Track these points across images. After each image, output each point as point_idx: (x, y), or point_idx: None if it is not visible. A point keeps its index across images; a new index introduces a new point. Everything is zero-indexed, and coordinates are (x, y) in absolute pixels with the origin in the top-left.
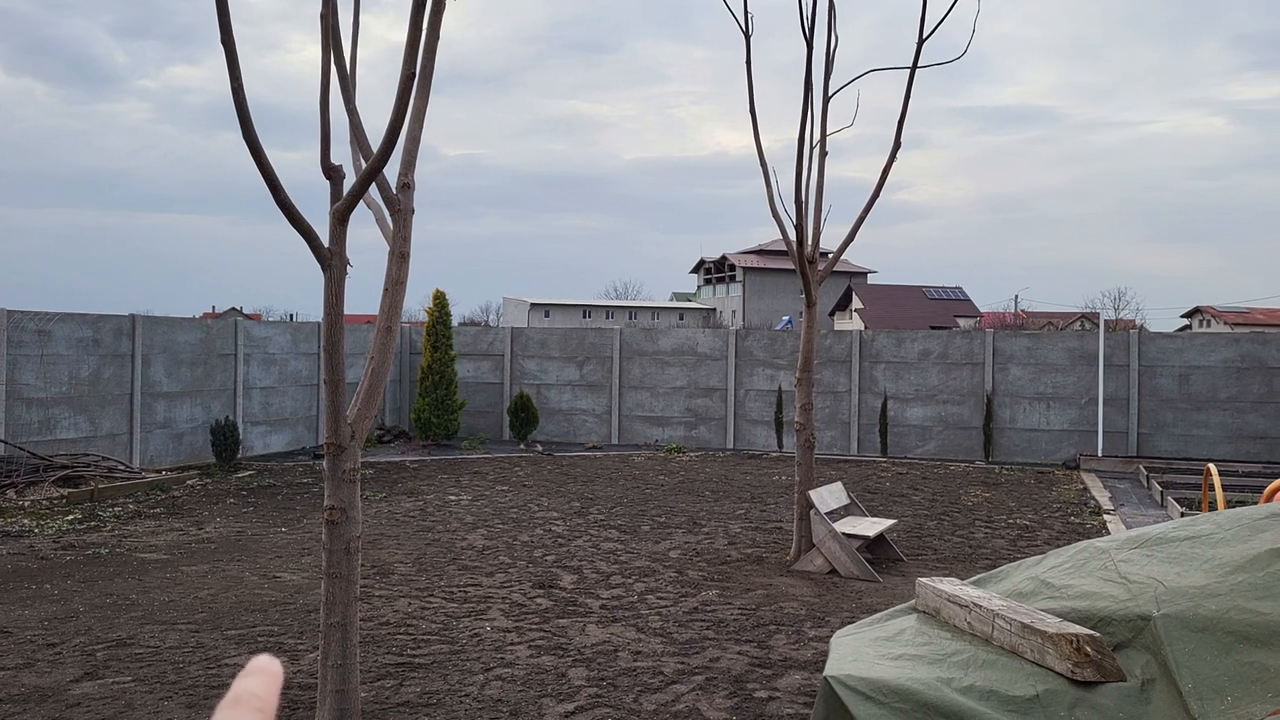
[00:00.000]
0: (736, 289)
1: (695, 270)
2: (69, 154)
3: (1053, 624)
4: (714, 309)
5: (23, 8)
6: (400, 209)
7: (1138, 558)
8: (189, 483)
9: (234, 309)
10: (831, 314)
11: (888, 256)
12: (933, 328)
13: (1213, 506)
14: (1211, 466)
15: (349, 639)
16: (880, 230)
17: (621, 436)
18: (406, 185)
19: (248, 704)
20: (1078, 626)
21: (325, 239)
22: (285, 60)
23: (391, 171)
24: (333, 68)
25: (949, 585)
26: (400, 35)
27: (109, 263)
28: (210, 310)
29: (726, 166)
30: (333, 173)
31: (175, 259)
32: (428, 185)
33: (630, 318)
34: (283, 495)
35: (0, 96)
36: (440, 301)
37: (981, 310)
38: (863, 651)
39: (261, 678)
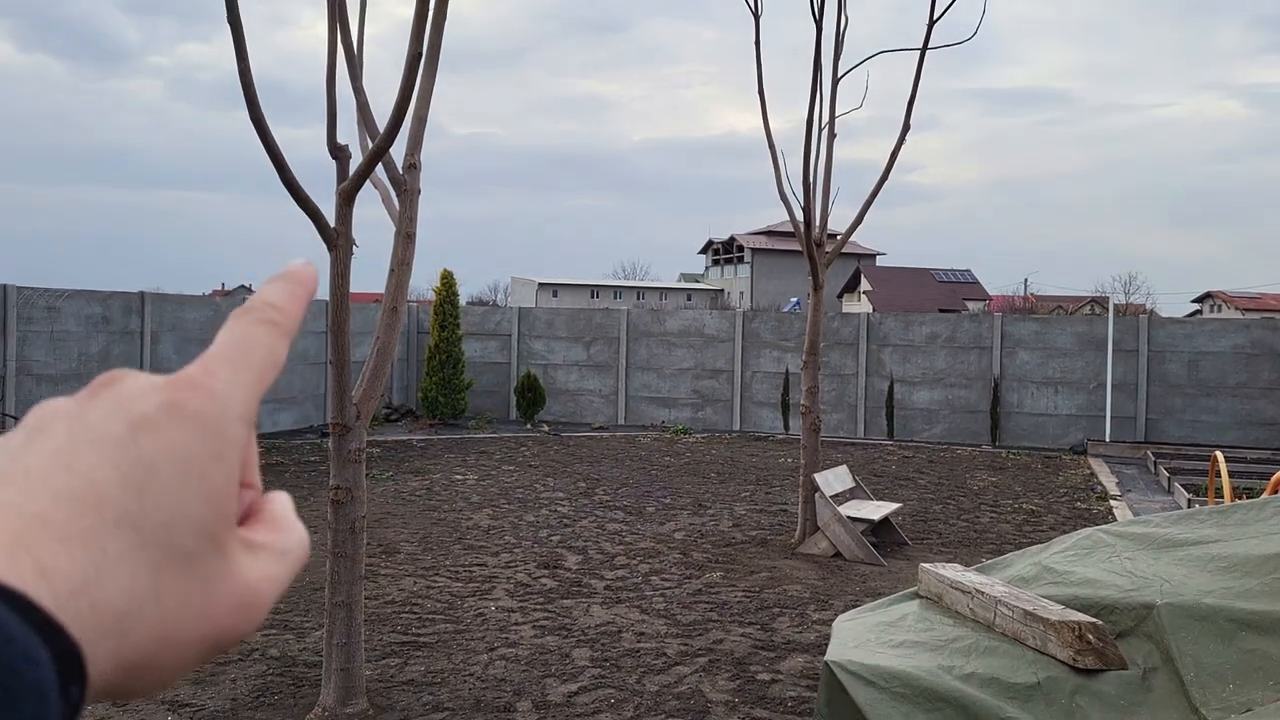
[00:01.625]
0: (745, 270)
1: (703, 251)
2: (80, 131)
3: (1055, 611)
4: (722, 290)
5: None
6: (407, 189)
7: (1143, 557)
8: None
9: (243, 286)
10: (840, 295)
11: (897, 238)
12: (941, 310)
13: (1219, 494)
14: (1218, 454)
15: (354, 618)
16: (890, 212)
17: (628, 417)
18: (413, 165)
19: (259, 313)
20: (1080, 614)
21: (331, 219)
22: (297, 36)
23: (398, 151)
24: (339, 47)
25: (951, 571)
26: (411, 12)
27: (119, 240)
28: (220, 288)
29: (736, 147)
30: (339, 152)
31: (185, 236)
32: (437, 164)
33: (638, 298)
34: (290, 473)
35: (12, 73)
36: (448, 281)
37: (991, 293)
38: (864, 637)
39: (286, 285)
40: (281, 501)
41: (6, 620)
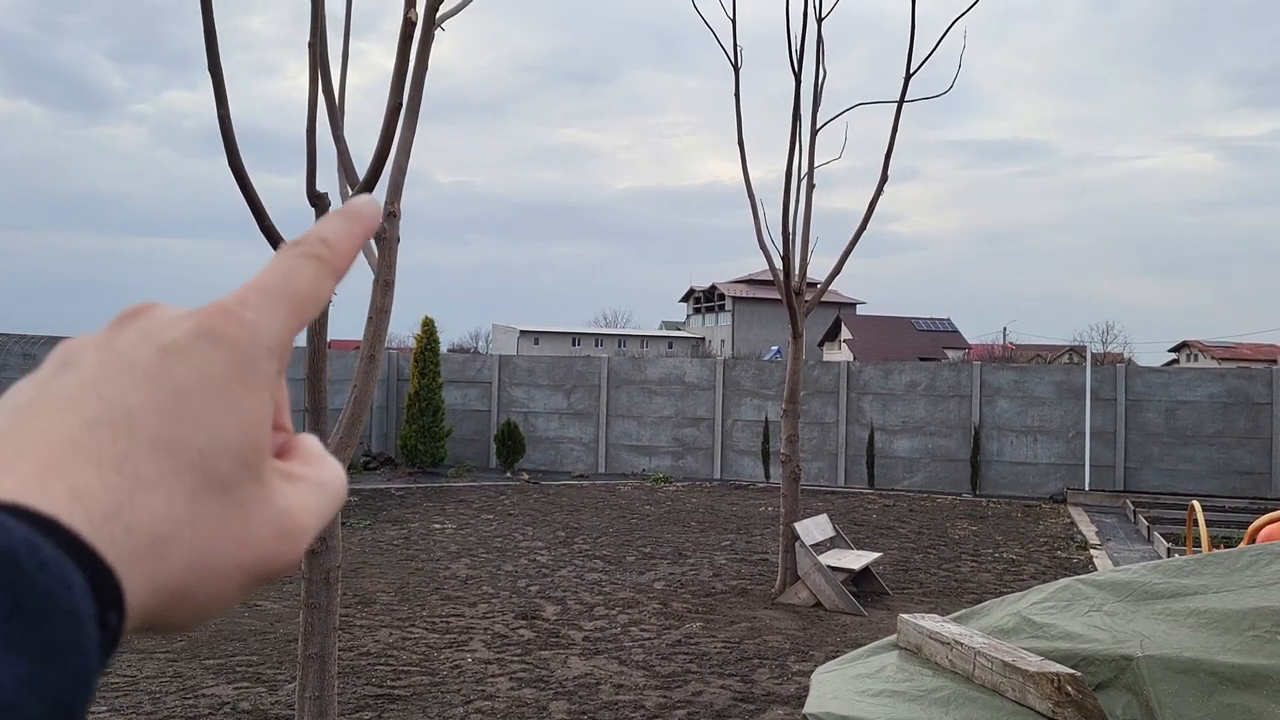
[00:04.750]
0: (726, 318)
1: (685, 299)
2: (63, 177)
3: (1034, 662)
4: (703, 338)
5: (20, 30)
6: (386, 237)
7: (1122, 610)
8: None
9: None
10: (820, 344)
11: (877, 288)
12: (921, 359)
13: (1197, 543)
14: (1196, 504)
15: (327, 671)
16: (871, 261)
17: (608, 465)
18: (392, 214)
19: (308, 247)
20: (1058, 665)
21: None
22: (283, 87)
23: (378, 199)
24: (320, 96)
25: (931, 622)
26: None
27: (97, 286)
28: None
29: (719, 196)
30: (318, 200)
31: (165, 283)
32: (420, 212)
33: (619, 346)
34: None
35: None
36: (429, 328)
37: (970, 342)
38: (843, 689)
39: (343, 221)
40: (314, 440)
41: (38, 545)
